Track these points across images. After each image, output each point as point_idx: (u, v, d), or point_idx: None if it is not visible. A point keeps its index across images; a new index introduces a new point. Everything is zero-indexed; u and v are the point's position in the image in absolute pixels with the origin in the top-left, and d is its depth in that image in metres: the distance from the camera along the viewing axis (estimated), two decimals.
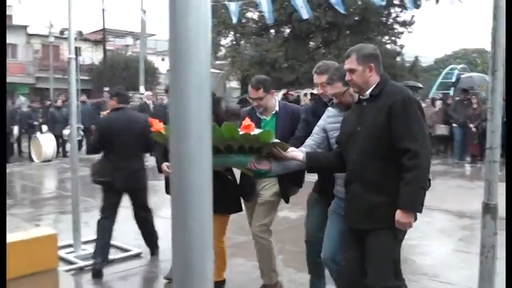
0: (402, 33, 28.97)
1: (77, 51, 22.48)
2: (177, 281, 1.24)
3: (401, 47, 29.37)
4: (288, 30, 28.52)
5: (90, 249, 5.95)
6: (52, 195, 10.83)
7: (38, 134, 15.96)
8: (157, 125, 3.69)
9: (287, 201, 4.80)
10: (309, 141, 3.97)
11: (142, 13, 18.96)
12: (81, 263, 5.74)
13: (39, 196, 10.96)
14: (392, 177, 3.23)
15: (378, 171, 3.30)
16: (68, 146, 13.08)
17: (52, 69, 34.34)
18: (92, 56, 39.45)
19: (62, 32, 37.52)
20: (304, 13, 9.72)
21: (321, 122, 4.01)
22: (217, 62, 29.17)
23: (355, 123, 3.43)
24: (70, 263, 5.76)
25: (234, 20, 11.44)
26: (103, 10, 24.19)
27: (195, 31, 1.17)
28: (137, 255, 6.15)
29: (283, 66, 26.39)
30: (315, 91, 32.15)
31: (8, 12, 38.07)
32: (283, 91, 21.88)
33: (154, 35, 41.21)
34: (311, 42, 29.07)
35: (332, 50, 26.02)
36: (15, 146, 16.93)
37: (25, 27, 39.07)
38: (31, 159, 15.80)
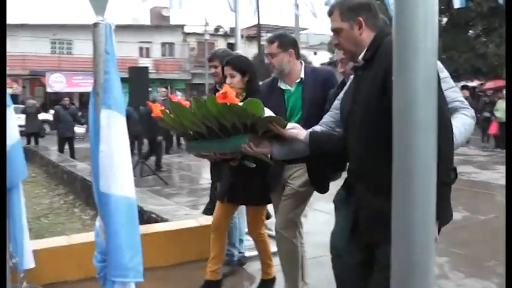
0: None
1: (232, 47, 23.24)
2: (396, 276, 1.22)
3: None
4: (445, 19, 27.26)
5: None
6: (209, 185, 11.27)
7: None
8: (157, 110, 3.09)
9: (323, 191, 3.77)
10: (326, 117, 3.00)
11: (296, 8, 19.17)
12: (247, 253, 5.92)
13: (198, 186, 11.40)
14: None
15: (384, 166, 2.11)
16: None
17: (207, 66, 35.89)
18: (245, 51, 40.64)
19: (216, 30, 39.07)
20: (457, 2, 9.15)
21: (341, 95, 3.04)
22: None
23: (352, 99, 2.60)
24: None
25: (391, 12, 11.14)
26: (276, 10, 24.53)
27: (423, 22, 1.15)
28: None
29: (441, 57, 25.26)
30: (475, 83, 30.17)
31: (165, 14, 40.53)
32: None
33: (306, 29, 41.50)
34: (470, 31, 27.55)
35: (493, 38, 24.43)
36: (174, 138, 17.80)
37: (182, 26, 41.25)
38: None
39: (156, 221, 5.51)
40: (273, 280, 4.30)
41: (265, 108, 2.78)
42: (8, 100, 3.90)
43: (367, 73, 2.43)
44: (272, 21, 43.26)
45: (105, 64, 1.53)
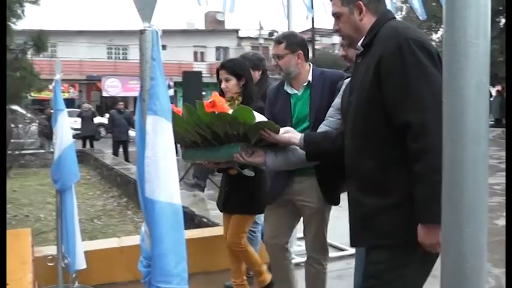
0: None
1: None
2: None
3: None
4: (503, 20, 26.48)
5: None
6: None
7: None
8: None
9: (335, 203, 3.47)
10: (322, 127, 2.84)
11: None
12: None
13: None
14: (401, 169, 2.11)
15: (376, 161, 2.18)
16: None
17: None
18: None
19: (271, 34, 39.17)
20: None
21: (336, 100, 2.89)
22: None
23: (349, 89, 2.45)
24: None
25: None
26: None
27: (474, 25, 1.10)
28: (352, 255, 6.13)
29: (499, 60, 24.52)
30: None
31: (220, 18, 40.95)
32: (498, 87, 20.36)
33: None
34: None
35: None
36: None
37: (236, 31, 41.60)
38: None
39: (208, 226, 5.53)
40: (271, 284, 4.04)
41: (258, 114, 2.63)
42: (62, 104, 4.01)
43: (364, 60, 2.27)
44: (327, 25, 43.07)
45: (152, 70, 1.54)
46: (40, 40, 11.61)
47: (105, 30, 37.59)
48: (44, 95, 21.30)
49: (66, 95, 32.12)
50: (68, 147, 3.93)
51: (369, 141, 2.21)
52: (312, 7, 6.31)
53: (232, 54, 40.80)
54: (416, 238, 2.05)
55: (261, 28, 38.72)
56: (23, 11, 11.41)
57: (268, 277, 4.05)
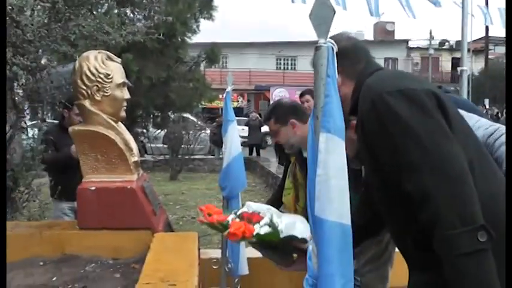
0: None
1: (458, 62, 22.19)
2: None
3: None
4: None
5: None
6: None
7: None
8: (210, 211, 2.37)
9: None
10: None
11: None
12: None
13: None
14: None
15: (407, 237, 1.84)
16: None
17: (431, 81, 34.91)
18: (471, 66, 38.61)
19: (441, 44, 37.76)
20: None
21: None
22: None
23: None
24: None
25: None
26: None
27: None
28: None
29: None
30: None
31: (389, 28, 40.27)
32: None
33: None
34: None
35: None
36: None
37: (406, 41, 40.62)
38: None
39: None
40: None
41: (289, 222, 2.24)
42: (232, 115, 4.15)
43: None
44: (501, 33, 40.40)
45: (326, 87, 1.52)
46: (213, 53, 12.26)
47: (274, 41, 38.76)
48: (215, 104, 22.49)
49: (235, 104, 33.62)
50: (237, 157, 4.05)
51: (391, 212, 1.91)
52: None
53: (401, 65, 39.87)
54: None
55: (432, 38, 37.31)
56: (198, 26, 12.13)
57: None
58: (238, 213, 2.23)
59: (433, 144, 1.58)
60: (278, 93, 36.22)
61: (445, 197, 1.52)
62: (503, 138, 2.32)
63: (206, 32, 12.96)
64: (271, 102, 36.03)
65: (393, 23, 41.72)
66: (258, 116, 20.06)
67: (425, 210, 1.57)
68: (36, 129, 5.66)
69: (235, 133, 4.09)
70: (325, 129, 1.52)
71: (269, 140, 25.15)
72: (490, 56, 37.64)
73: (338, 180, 1.53)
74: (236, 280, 4.05)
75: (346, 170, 1.56)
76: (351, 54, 1.98)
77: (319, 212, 1.53)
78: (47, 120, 6.53)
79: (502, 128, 2.40)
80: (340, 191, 1.54)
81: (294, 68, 39.42)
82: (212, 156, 17.53)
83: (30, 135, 5.57)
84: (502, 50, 42.39)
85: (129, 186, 3.36)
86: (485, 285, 1.48)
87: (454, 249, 1.47)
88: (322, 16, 1.53)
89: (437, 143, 1.58)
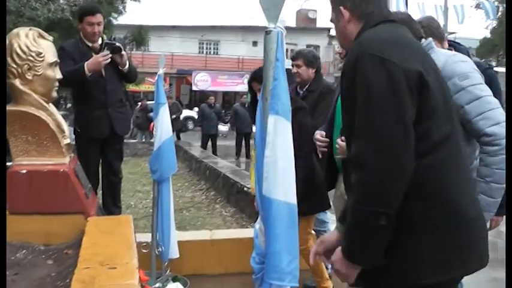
0: None
1: None
2: None
3: None
4: None
5: None
6: None
7: None
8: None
9: None
10: None
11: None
12: None
13: None
14: None
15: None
16: None
17: None
18: None
19: None
20: None
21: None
22: None
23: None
24: None
25: None
26: None
27: None
28: None
29: None
30: None
31: (311, 16, 40.87)
32: None
33: (454, 33, 39.68)
34: None
35: None
36: None
37: (328, 29, 41.34)
38: None
39: None
40: None
41: None
42: (164, 98, 4.11)
43: None
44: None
45: (275, 71, 1.56)
46: (140, 35, 12.02)
47: (197, 25, 38.37)
48: (137, 87, 22.11)
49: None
50: (167, 140, 4.03)
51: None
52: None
53: (323, 53, 40.60)
54: None
55: None
56: (124, 7, 11.85)
57: (330, 285, 3.96)
58: None
59: (381, 120, 1.64)
60: (200, 78, 35.98)
61: (378, 169, 1.62)
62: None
63: (130, 13, 12.71)
64: (193, 87, 35.81)
65: (315, 11, 42.34)
66: (176, 102, 19.88)
67: (354, 174, 1.68)
68: None
69: (167, 116, 4.07)
70: (273, 111, 1.57)
71: (191, 125, 25.02)
72: None
73: (284, 161, 1.58)
74: (166, 263, 4.05)
75: (292, 151, 1.61)
76: None
77: (266, 191, 1.58)
78: None
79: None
80: (286, 171, 1.59)
81: (217, 52, 39.21)
82: (134, 140, 17.23)
83: None
84: None
85: (61, 170, 3.26)
86: (368, 255, 1.68)
87: (355, 220, 1.64)
88: (272, 0, 1.56)
89: (386, 120, 1.63)
